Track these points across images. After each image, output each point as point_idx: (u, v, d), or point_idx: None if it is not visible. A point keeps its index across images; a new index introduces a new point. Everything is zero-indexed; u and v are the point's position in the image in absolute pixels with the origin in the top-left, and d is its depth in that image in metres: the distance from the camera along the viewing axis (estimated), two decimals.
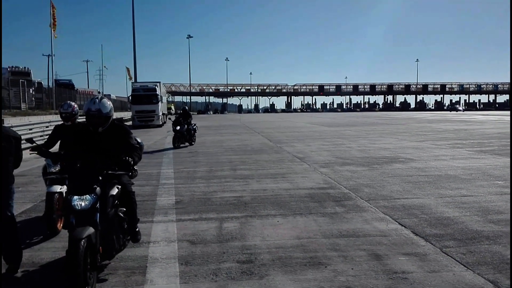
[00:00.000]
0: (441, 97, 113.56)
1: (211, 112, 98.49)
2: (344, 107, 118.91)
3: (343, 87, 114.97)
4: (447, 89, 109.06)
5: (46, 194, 5.15)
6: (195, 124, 16.99)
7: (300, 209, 6.03)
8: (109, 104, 3.95)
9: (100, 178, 3.49)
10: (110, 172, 3.61)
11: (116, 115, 39.15)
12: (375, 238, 4.69)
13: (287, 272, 3.79)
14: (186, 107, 18.98)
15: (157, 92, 32.64)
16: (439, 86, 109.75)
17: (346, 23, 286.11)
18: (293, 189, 7.48)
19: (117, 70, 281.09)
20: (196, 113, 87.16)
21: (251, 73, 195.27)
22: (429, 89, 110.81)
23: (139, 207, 6.20)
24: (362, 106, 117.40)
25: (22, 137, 6.83)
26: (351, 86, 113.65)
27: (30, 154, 5.74)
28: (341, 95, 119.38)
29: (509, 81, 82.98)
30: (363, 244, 4.51)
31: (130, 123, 34.08)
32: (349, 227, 5.11)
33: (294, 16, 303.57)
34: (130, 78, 65.24)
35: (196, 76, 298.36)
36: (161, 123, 32.87)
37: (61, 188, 5.11)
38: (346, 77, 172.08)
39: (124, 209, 3.94)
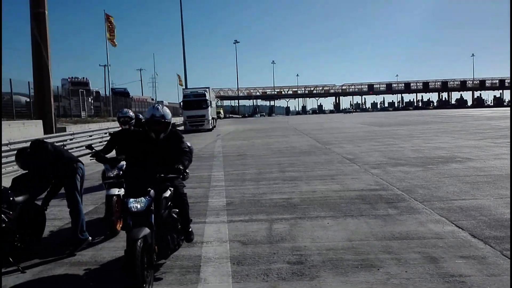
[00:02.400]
0: (500, 93, 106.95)
1: (259, 115, 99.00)
2: (396, 105, 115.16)
3: (394, 85, 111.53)
4: (506, 84, 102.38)
5: (105, 197, 5.48)
6: None
7: (351, 211, 5.95)
8: (169, 111, 4.22)
9: (154, 181, 3.68)
10: (163, 175, 3.78)
11: None
12: (430, 241, 4.53)
13: (338, 274, 3.78)
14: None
15: (207, 97, 33.47)
16: (497, 81, 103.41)
17: (395, 18, 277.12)
18: (343, 190, 7.40)
19: (168, 77, 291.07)
20: (240, 116, 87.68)
21: (297, 75, 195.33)
22: (487, 84, 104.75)
23: (192, 209, 6.43)
24: (415, 104, 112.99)
25: (83, 143, 7.34)
26: (403, 84, 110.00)
27: (90, 159, 6.15)
28: (392, 94, 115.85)
29: None
30: (417, 246, 4.38)
31: (182, 127, 35.20)
32: (403, 230, 4.98)
33: (339, 16, 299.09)
34: (181, 84, 67.16)
35: (243, 80, 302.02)
36: (211, 127, 33.63)
37: (119, 191, 5.40)
38: (397, 75, 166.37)
39: (177, 210, 4.11)
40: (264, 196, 7.27)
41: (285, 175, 9.35)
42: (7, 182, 4.72)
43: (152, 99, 66.25)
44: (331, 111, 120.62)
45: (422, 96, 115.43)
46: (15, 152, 5.31)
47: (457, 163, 9.79)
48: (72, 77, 42.14)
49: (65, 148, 14.38)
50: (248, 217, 5.94)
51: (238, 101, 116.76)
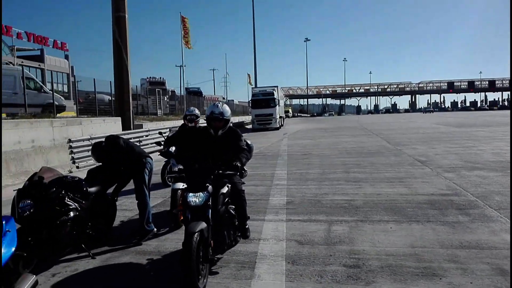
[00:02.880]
0: None
1: (327, 114, 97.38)
2: (479, 105, 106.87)
3: (476, 83, 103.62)
4: None
5: (171, 190, 5.75)
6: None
7: (417, 216, 5.65)
8: (228, 109, 4.33)
9: (212, 177, 3.80)
10: (220, 171, 3.89)
11: (238, 119, 41.55)
12: (502, 252, 4.17)
13: (396, 281, 3.62)
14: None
15: (275, 96, 33.64)
16: None
17: (479, 6, 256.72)
18: (411, 194, 7.04)
19: (239, 76, 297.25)
20: (309, 115, 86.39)
21: (370, 73, 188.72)
22: None
23: (253, 206, 6.56)
24: (500, 104, 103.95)
25: (155, 140, 7.85)
26: (487, 82, 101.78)
27: (158, 155, 6.50)
28: (475, 92, 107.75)
29: None
30: (487, 257, 4.05)
31: (250, 126, 35.79)
32: (473, 238, 4.63)
33: (414, 8, 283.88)
34: (251, 83, 68.29)
35: (313, 79, 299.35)
36: (278, 126, 33.77)
37: (183, 185, 5.64)
38: (480, 72, 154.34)
39: (234, 207, 4.19)
40: (326, 196, 7.16)
41: (350, 176, 9.12)
42: (83, 174, 5.16)
43: (223, 98, 68.26)
44: (406, 110, 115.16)
45: (508, 95, 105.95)
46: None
47: None
48: (150, 77, 44.84)
49: (140, 143, 15.35)
50: (307, 217, 5.89)
51: (307, 100, 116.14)
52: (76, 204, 4.25)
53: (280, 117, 36.70)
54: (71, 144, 11.61)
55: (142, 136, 16.78)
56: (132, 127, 18.20)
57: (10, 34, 30.51)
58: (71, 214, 4.11)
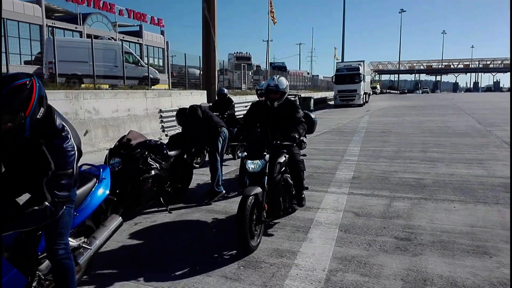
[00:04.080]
0: None
1: (420, 91, 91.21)
2: None
3: None
4: None
5: (240, 159, 6.25)
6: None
7: (486, 198, 5.47)
8: (285, 82, 4.60)
9: (270, 147, 4.14)
10: (278, 142, 4.21)
11: (321, 94, 41.14)
12: None
13: (443, 255, 3.70)
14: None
15: (360, 71, 32.57)
16: None
17: None
18: (487, 176, 6.73)
19: (326, 51, 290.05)
20: (399, 92, 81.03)
21: (472, 47, 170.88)
22: None
23: (319, 178, 6.84)
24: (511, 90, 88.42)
25: (239, 112, 8.17)
26: None
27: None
28: None
29: None
30: None
31: (331, 102, 35.29)
32: None
33: None
34: (336, 58, 66.62)
35: (406, 53, 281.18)
36: (362, 102, 32.81)
37: None
38: None
39: (289, 176, 4.48)
40: (395, 174, 7.14)
41: (426, 155, 8.86)
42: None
43: (308, 73, 67.55)
44: (509, 89, 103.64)
45: None
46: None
47: None
48: (237, 52, 46.03)
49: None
50: (371, 191, 6.00)
51: (398, 75, 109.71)
52: (157, 164, 4.91)
53: (365, 93, 35.53)
54: (161, 114, 12.75)
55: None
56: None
57: (113, 11, 33.30)
58: (152, 172, 4.78)
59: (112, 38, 29.75)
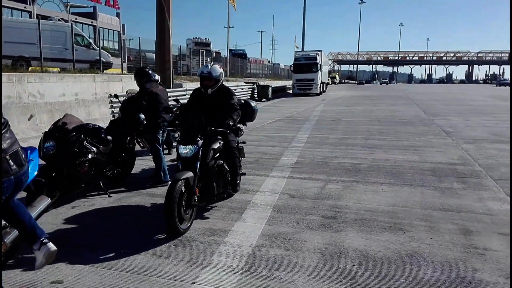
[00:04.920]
0: None
1: (379, 83, 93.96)
2: None
3: None
4: None
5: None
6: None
7: (413, 181, 5.89)
8: (219, 69, 4.68)
9: (204, 133, 4.24)
10: (213, 128, 4.32)
11: (281, 83, 41.49)
12: (477, 216, 4.40)
13: (362, 231, 4.01)
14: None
15: (318, 61, 33.16)
16: None
17: None
18: (418, 162, 7.21)
19: (287, 40, 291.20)
20: (357, 82, 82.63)
21: (428, 39, 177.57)
22: None
23: (263, 163, 7.06)
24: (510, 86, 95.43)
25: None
26: None
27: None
28: None
29: None
30: (460, 219, 4.31)
31: (290, 91, 35.75)
32: (455, 203, 4.87)
33: None
34: (297, 47, 67.17)
35: (365, 44, 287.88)
36: (319, 91, 33.50)
37: None
38: None
39: (222, 162, 4.56)
40: (335, 159, 7.49)
41: (367, 142, 9.32)
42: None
43: (269, 61, 67.78)
44: (461, 81, 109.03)
45: None
46: (121, 102, 6.58)
47: None
48: (195, 38, 45.45)
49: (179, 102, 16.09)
50: (309, 175, 6.29)
51: (357, 66, 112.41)
52: (94, 148, 4.91)
53: (322, 82, 36.26)
54: (111, 99, 12.50)
55: (180, 95, 17.51)
56: (171, 86, 18.98)
57: None
58: (89, 156, 4.78)
59: (63, 19, 28.51)
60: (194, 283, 3.03)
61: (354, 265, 3.30)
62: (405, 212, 4.56)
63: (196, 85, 21.33)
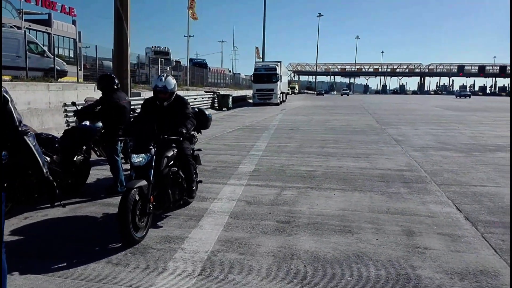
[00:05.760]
0: None
1: (335, 93, 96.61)
2: (488, 90, 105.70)
3: (488, 67, 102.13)
4: None
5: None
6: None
7: (363, 187, 6.21)
8: (173, 81, 4.75)
9: (158, 141, 4.29)
10: (166, 136, 4.38)
11: (242, 92, 41.83)
12: (420, 218, 4.73)
13: (313, 234, 4.21)
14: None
15: (277, 72, 33.81)
16: None
17: None
18: (369, 168, 7.58)
19: (248, 50, 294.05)
20: (316, 93, 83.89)
21: (382, 52, 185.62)
22: None
23: (222, 172, 7.16)
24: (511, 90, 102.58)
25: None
26: (498, 67, 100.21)
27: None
28: (485, 77, 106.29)
29: None
30: (404, 221, 4.62)
31: (251, 100, 36.12)
32: (400, 206, 5.20)
33: None
34: (258, 57, 67.99)
35: (323, 55, 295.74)
36: (278, 101, 34.10)
37: None
38: (494, 57, 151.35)
39: (176, 169, 4.63)
40: (291, 167, 7.73)
41: (323, 151, 9.66)
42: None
43: (230, 71, 68.14)
44: (413, 92, 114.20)
45: None
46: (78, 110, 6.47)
47: (506, 152, 9.32)
48: (155, 46, 44.92)
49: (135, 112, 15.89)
50: (266, 183, 6.47)
51: (316, 77, 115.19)
52: (48, 158, 4.84)
53: (282, 92, 36.95)
54: (65, 108, 12.19)
55: (139, 104, 17.31)
56: (129, 94, 18.70)
57: None
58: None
59: (16, 26, 27.44)
60: None
61: (305, 265, 3.48)
62: (354, 216, 4.82)
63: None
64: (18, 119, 2.42)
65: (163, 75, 4.81)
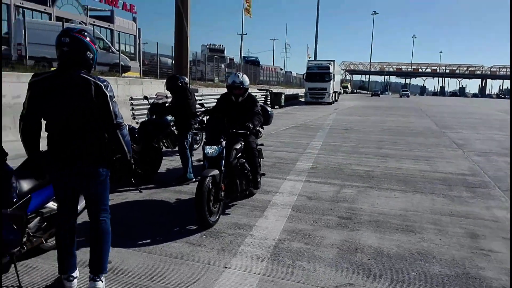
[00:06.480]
0: None
1: (390, 93, 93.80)
2: None
3: None
4: None
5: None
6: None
7: (424, 189, 6.20)
8: (247, 79, 5.14)
9: (227, 135, 4.65)
10: (234, 130, 4.74)
11: (293, 91, 41.90)
12: (484, 222, 4.71)
13: (376, 231, 4.34)
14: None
15: (330, 71, 33.56)
16: None
17: None
18: (430, 171, 7.51)
19: (300, 48, 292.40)
20: (370, 93, 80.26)
21: (441, 52, 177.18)
22: None
23: (280, 168, 7.42)
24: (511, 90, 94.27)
25: (209, 104, 8.30)
26: None
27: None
28: None
29: None
30: (467, 224, 4.63)
31: (303, 99, 36.13)
32: (463, 209, 5.18)
33: None
34: (309, 56, 67.66)
35: (378, 55, 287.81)
36: (331, 101, 33.83)
37: None
38: None
39: (243, 161, 4.98)
40: (349, 166, 7.82)
41: (380, 152, 9.63)
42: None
43: (281, 69, 68.39)
44: (474, 95, 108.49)
45: None
46: (149, 104, 7.00)
47: None
48: (210, 44, 46.14)
49: (204, 106, 16.60)
50: (324, 180, 6.64)
51: (369, 76, 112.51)
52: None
53: (334, 92, 36.62)
54: (132, 101, 12.99)
55: (196, 100, 17.96)
56: None
57: None
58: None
59: (83, 22, 29.33)
60: (226, 267, 3.40)
61: (369, 259, 3.64)
62: (416, 216, 4.88)
63: (211, 90, 21.97)
64: (115, 113, 2.80)
65: (239, 73, 5.24)
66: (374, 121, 18.41)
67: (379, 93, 78.72)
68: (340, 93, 49.09)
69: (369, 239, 4.12)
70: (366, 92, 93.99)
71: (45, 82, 2.73)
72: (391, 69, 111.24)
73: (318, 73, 33.29)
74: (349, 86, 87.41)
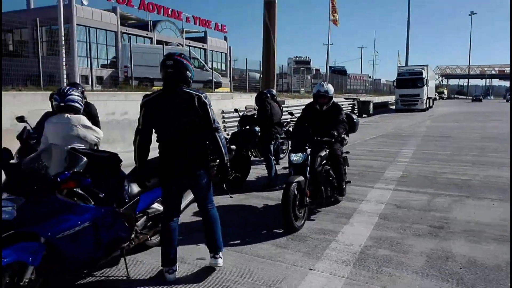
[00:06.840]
0: None
1: (492, 97, 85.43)
2: None
3: None
4: None
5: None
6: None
7: None
8: (332, 88, 5.27)
9: (312, 142, 4.79)
10: (319, 138, 4.86)
11: (382, 99, 40.49)
12: None
13: (470, 241, 4.14)
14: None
15: (423, 76, 31.83)
16: None
17: None
18: None
19: (389, 55, 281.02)
20: (471, 99, 72.64)
21: None
22: None
23: (368, 176, 7.37)
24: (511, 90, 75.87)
25: (296, 115, 8.66)
26: None
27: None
28: None
29: None
30: None
31: (393, 106, 34.70)
32: None
33: None
34: (400, 62, 64.71)
35: (476, 58, 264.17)
36: (425, 107, 32.02)
37: None
38: None
39: (328, 168, 5.07)
40: (443, 175, 7.44)
41: (480, 159, 8.97)
42: None
43: (369, 77, 66.38)
44: (510, 94, 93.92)
45: None
46: (240, 116, 7.50)
47: None
48: (296, 56, 46.69)
49: (293, 115, 17.06)
50: (416, 189, 6.41)
51: (468, 80, 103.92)
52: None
53: (429, 98, 34.60)
54: (223, 115, 13.79)
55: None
56: None
57: (180, 18, 35.41)
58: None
59: (180, 44, 31.71)
60: (311, 269, 3.54)
61: (460, 268, 3.51)
62: None
63: (297, 101, 22.30)
64: (213, 119, 3.19)
65: (324, 82, 5.42)
66: (473, 128, 17.07)
67: (481, 97, 70.95)
68: (435, 99, 46.23)
69: (462, 248, 3.95)
70: (464, 97, 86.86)
71: (155, 101, 3.20)
72: (493, 72, 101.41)
73: (410, 79, 31.74)
74: (445, 91, 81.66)
